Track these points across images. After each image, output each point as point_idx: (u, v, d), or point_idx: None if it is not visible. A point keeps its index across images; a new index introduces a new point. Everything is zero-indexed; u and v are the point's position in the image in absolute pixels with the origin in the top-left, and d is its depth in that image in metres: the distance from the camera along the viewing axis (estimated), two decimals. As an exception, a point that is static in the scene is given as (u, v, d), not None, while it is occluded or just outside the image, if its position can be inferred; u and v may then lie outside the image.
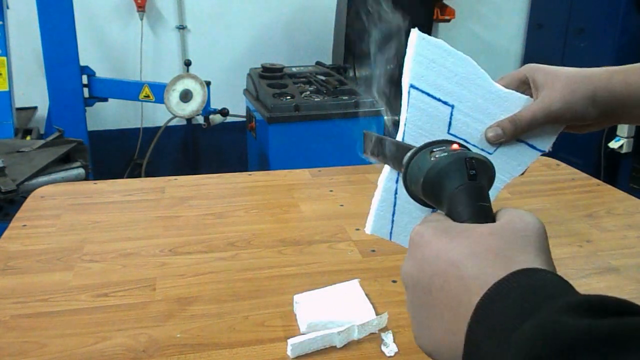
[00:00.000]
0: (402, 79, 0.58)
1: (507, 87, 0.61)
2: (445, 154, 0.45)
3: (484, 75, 0.58)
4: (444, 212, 0.44)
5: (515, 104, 0.59)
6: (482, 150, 0.59)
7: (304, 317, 0.74)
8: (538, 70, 0.60)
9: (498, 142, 0.57)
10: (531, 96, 0.60)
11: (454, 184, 0.43)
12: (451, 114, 0.57)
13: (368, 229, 0.59)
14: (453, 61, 0.56)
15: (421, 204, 0.50)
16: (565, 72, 0.58)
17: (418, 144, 0.49)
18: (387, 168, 0.57)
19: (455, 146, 0.46)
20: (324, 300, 0.79)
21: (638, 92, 0.57)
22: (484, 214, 0.42)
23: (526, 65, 0.61)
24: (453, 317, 0.36)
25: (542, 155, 0.61)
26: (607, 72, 0.58)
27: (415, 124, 0.57)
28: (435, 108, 0.56)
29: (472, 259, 0.36)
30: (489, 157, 0.56)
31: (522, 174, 0.61)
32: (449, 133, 0.57)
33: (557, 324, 0.28)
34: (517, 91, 0.60)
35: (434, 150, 0.46)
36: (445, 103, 0.56)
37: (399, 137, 0.58)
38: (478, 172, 0.43)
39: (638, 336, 0.26)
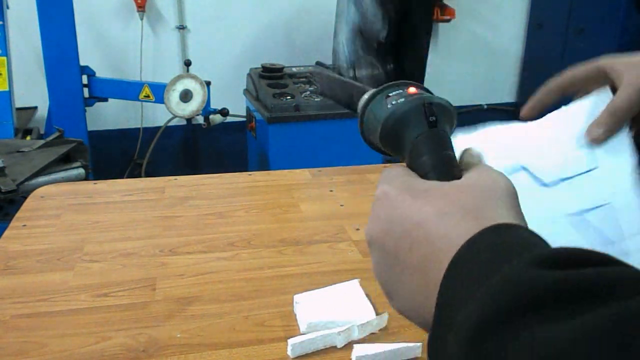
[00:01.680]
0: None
1: (580, 73, 0.56)
2: (402, 99, 0.41)
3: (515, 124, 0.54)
4: (405, 164, 0.41)
5: (597, 104, 0.54)
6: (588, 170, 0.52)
7: (304, 317, 0.74)
8: (616, 60, 0.55)
9: (605, 138, 0.52)
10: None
11: (414, 133, 0.39)
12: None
13: None
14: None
15: (381, 153, 0.46)
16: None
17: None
18: None
19: (412, 89, 0.42)
20: (324, 300, 0.79)
21: None
22: (448, 163, 0.39)
23: (602, 57, 0.56)
24: (424, 281, 0.34)
25: None
26: None
27: None
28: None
29: (439, 218, 0.34)
30: (593, 172, 0.50)
31: None
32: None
33: (525, 276, 0.26)
34: (587, 82, 0.56)
35: (390, 95, 0.42)
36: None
37: None
38: (438, 118, 0.40)
39: (607, 286, 0.25)
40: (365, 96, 0.45)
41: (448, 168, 0.39)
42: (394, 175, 0.40)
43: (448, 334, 0.29)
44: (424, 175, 0.39)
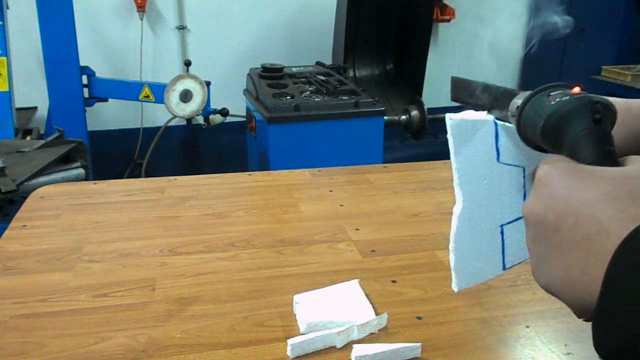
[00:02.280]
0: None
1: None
2: (567, 97, 0.43)
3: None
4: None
5: None
6: None
7: (303, 317, 0.74)
8: None
9: None
10: None
11: (578, 128, 0.41)
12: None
13: (455, 287, 0.56)
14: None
15: (534, 148, 0.48)
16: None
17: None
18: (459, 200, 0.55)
19: (576, 89, 0.45)
20: (323, 300, 0.79)
21: None
22: (610, 158, 0.41)
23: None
24: (584, 256, 0.36)
25: None
26: None
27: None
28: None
29: (608, 201, 0.36)
30: None
31: None
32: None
33: None
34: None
35: (551, 94, 0.45)
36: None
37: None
38: (603, 116, 0.42)
39: None
40: (524, 95, 0.47)
41: (611, 162, 0.41)
42: (557, 159, 0.41)
43: (636, 302, 0.31)
44: None
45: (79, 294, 0.82)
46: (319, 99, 2.43)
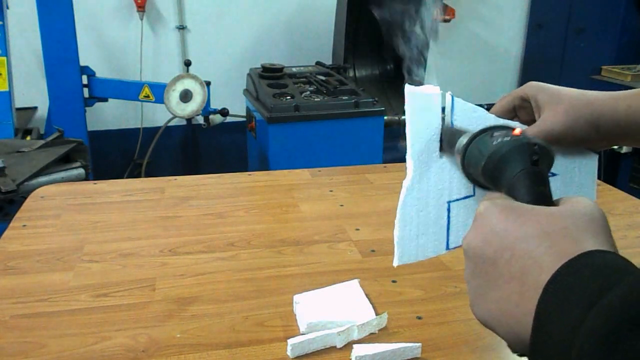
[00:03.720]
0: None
1: (506, 106, 0.61)
2: (508, 138, 0.45)
3: (480, 109, 0.59)
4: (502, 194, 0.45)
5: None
6: None
7: (303, 317, 0.74)
8: (540, 91, 0.59)
9: None
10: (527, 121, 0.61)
11: (517, 168, 0.43)
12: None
13: (397, 261, 0.57)
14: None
15: (476, 185, 0.51)
16: (569, 96, 0.58)
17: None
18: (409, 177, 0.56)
19: (517, 131, 0.47)
20: (323, 301, 0.79)
21: None
22: (545, 199, 0.43)
23: (529, 84, 0.61)
24: (518, 289, 0.37)
25: None
26: (611, 97, 0.57)
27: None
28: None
29: (542, 237, 0.38)
30: None
31: None
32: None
33: None
34: (517, 111, 0.61)
35: (494, 134, 0.47)
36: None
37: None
38: (540, 158, 0.44)
39: None
40: (470, 134, 0.49)
41: (546, 202, 0.42)
42: (497, 196, 0.44)
43: (564, 336, 0.32)
44: None
45: (79, 294, 0.82)
46: (319, 99, 2.43)
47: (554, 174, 0.60)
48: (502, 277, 0.39)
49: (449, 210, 0.57)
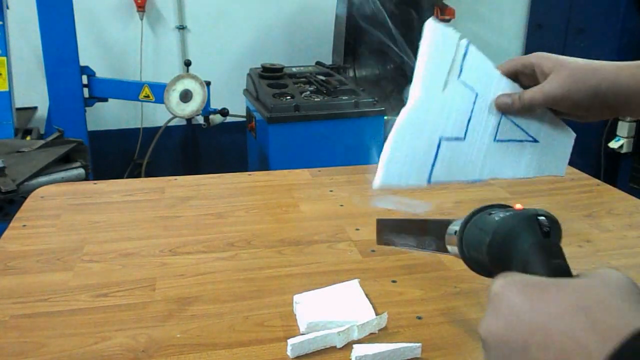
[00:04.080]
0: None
1: (510, 68, 0.63)
2: (510, 212, 0.42)
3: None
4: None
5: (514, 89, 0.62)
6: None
7: (303, 317, 0.74)
8: (546, 59, 0.60)
9: (504, 110, 0.60)
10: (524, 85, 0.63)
11: (527, 242, 0.40)
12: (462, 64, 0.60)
13: (379, 180, 0.58)
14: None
15: (481, 273, 0.46)
16: (573, 62, 0.59)
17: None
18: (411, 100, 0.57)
19: (518, 206, 0.44)
20: (324, 300, 0.79)
21: None
22: (564, 272, 0.39)
23: (536, 53, 0.62)
24: None
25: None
26: (615, 66, 0.58)
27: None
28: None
29: (578, 314, 0.33)
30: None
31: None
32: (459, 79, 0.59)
33: None
34: (519, 75, 0.63)
35: (492, 212, 0.44)
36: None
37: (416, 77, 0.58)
38: (551, 229, 0.41)
39: None
40: (468, 214, 0.46)
41: (565, 276, 0.39)
42: (512, 273, 0.39)
43: None
44: None
45: (79, 294, 0.82)
46: (319, 99, 2.43)
47: (535, 140, 0.62)
48: None
49: (439, 145, 0.58)
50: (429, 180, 0.59)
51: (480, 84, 0.60)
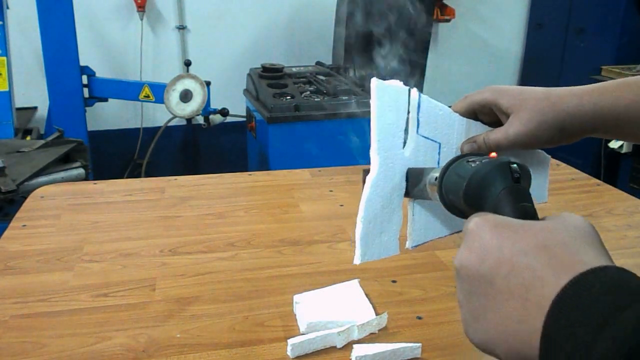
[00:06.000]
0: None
1: (468, 109, 0.60)
2: (485, 160, 0.46)
3: (444, 107, 0.59)
4: None
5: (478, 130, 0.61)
6: None
7: (303, 317, 0.74)
8: (502, 95, 0.58)
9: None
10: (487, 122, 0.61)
11: (500, 186, 0.44)
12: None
13: (358, 259, 0.58)
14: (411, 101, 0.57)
15: (455, 213, 0.49)
16: (531, 98, 0.57)
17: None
18: (373, 174, 0.56)
19: (493, 154, 0.48)
20: (324, 300, 0.79)
21: (607, 115, 0.56)
22: (532, 214, 0.43)
23: (488, 88, 0.60)
24: (520, 305, 0.36)
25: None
26: (576, 97, 0.56)
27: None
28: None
29: (540, 251, 0.37)
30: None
31: None
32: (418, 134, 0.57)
33: None
34: (477, 114, 0.61)
35: (470, 159, 0.47)
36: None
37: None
38: (521, 176, 0.44)
39: None
40: (442, 166, 0.49)
41: (532, 218, 0.42)
42: (483, 214, 0.42)
43: (575, 358, 0.31)
44: None
45: (79, 294, 0.82)
46: (319, 99, 2.43)
47: None
48: (501, 294, 0.37)
49: (413, 208, 0.57)
50: (411, 246, 0.58)
51: (441, 133, 0.58)
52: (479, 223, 0.41)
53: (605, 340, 0.30)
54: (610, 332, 0.30)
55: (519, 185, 0.44)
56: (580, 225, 0.39)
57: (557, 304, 0.34)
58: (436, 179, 0.50)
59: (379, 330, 0.74)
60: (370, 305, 0.79)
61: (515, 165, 0.45)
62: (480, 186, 0.45)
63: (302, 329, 0.74)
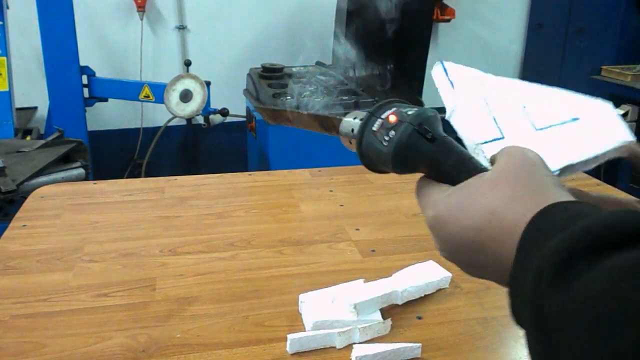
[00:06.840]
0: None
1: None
2: (393, 132, 0.46)
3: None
4: (424, 175, 0.46)
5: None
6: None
7: (309, 316, 0.74)
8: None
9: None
10: None
11: (422, 154, 0.45)
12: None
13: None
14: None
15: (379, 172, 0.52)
16: None
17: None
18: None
19: (392, 118, 0.47)
20: (329, 300, 0.79)
21: None
22: (468, 162, 0.44)
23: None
24: (499, 251, 0.39)
25: None
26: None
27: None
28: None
29: (508, 204, 0.39)
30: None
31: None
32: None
33: (618, 216, 0.32)
34: None
35: (374, 130, 0.47)
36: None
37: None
38: (433, 130, 0.45)
39: None
40: (356, 139, 0.50)
41: (471, 165, 0.43)
42: (431, 197, 0.44)
43: (531, 264, 0.34)
44: (453, 181, 0.44)
45: (79, 294, 0.82)
46: (319, 99, 2.43)
47: (575, 118, 0.58)
48: (486, 254, 0.40)
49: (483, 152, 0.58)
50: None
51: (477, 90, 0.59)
52: (435, 216, 0.43)
53: (555, 241, 0.33)
54: (561, 236, 0.33)
55: (438, 141, 0.44)
56: (530, 159, 0.41)
57: (523, 237, 0.37)
58: (353, 131, 0.51)
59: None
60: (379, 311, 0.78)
61: (422, 123, 0.45)
62: (406, 161, 0.46)
63: (307, 327, 0.74)
